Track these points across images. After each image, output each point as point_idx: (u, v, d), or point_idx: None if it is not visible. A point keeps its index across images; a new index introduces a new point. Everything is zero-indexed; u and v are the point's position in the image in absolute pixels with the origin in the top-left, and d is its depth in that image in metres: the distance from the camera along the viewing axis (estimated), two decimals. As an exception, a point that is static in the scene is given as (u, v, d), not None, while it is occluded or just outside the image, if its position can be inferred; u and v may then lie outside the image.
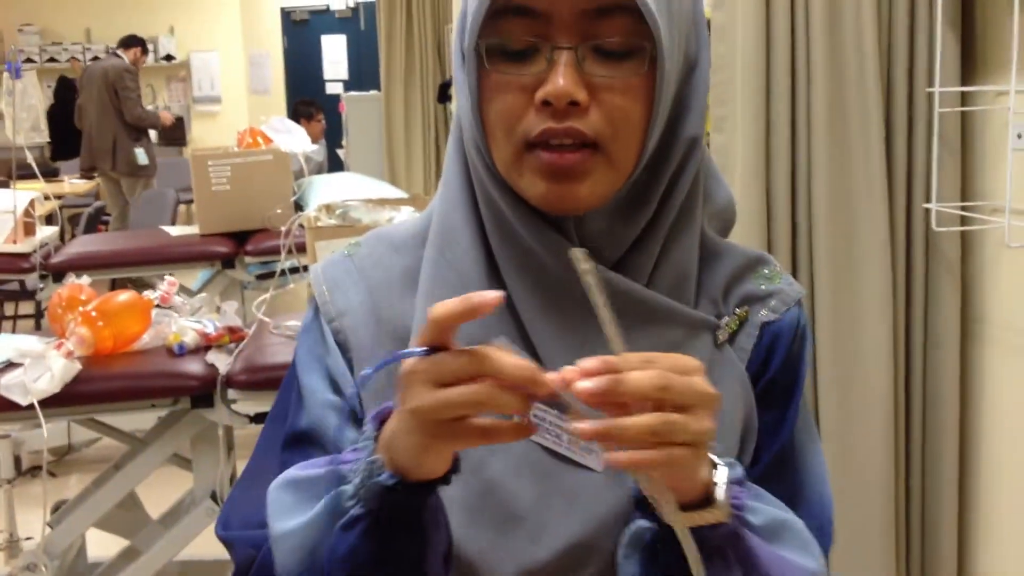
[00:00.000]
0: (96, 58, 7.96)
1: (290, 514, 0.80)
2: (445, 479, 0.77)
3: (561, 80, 0.78)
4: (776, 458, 0.92)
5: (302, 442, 0.89)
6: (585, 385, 0.67)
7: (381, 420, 0.78)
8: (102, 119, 7.36)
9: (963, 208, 2.08)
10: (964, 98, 2.08)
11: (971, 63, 2.08)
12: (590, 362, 0.68)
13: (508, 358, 0.69)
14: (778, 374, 0.92)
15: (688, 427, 0.69)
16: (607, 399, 0.68)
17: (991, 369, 2.12)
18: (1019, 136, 1.89)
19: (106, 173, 7.38)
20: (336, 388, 0.90)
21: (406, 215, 3.05)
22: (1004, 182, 1.89)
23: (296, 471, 0.82)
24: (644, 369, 0.68)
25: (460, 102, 0.87)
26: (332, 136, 7.32)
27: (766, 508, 0.83)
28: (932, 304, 2.15)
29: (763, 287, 0.93)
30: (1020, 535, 2.05)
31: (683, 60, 0.85)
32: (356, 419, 0.89)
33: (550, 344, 0.85)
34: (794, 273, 2.16)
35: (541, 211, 0.85)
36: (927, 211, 2.08)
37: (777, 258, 2.11)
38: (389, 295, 0.92)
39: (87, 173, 7.56)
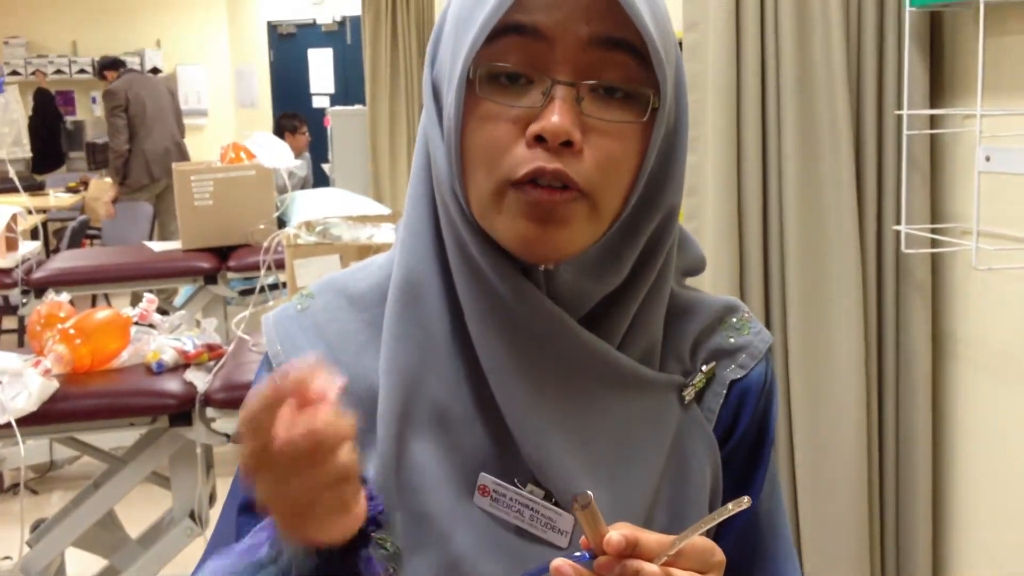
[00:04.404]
0: (120, 69, 7.56)
1: None
2: (364, 539, 0.77)
3: (557, 118, 0.74)
4: (742, 529, 0.90)
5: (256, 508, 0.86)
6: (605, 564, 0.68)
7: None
8: (174, 132, 7.24)
9: (933, 230, 2.10)
10: (933, 121, 2.10)
11: (939, 86, 2.10)
12: (618, 537, 0.68)
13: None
14: (745, 435, 0.90)
15: None
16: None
17: (963, 386, 2.14)
18: (987, 159, 1.91)
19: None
20: None
21: (387, 232, 3.06)
22: (972, 204, 1.91)
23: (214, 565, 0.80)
24: (673, 566, 0.69)
25: (433, 132, 0.81)
26: (318, 151, 7.32)
27: None
28: (903, 324, 2.17)
29: (732, 340, 0.90)
30: (993, 549, 2.07)
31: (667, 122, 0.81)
32: None
33: (520, 409, 0.81)
34: (766, 293, 2.18)
35: (514, 260, 0.80)
36: (897, 233, 2.10)
37: (749, 278, 2.16)
38: (347, 353, 0.87)
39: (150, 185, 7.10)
